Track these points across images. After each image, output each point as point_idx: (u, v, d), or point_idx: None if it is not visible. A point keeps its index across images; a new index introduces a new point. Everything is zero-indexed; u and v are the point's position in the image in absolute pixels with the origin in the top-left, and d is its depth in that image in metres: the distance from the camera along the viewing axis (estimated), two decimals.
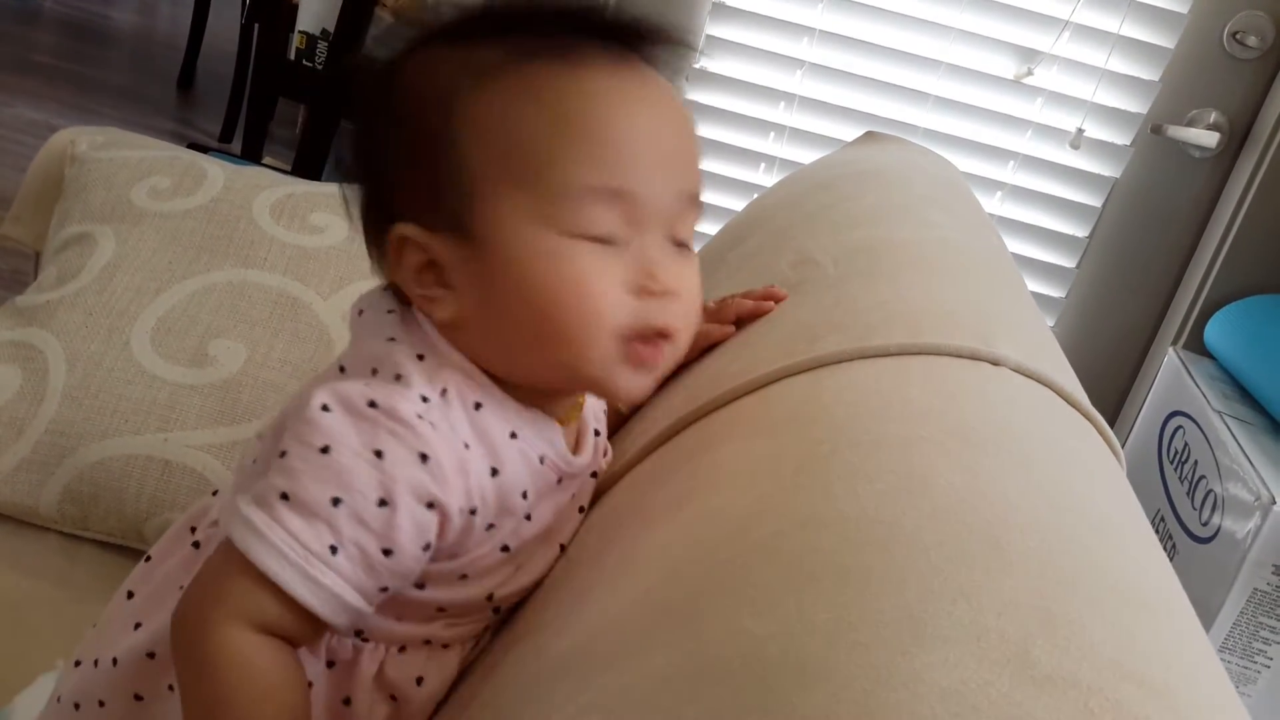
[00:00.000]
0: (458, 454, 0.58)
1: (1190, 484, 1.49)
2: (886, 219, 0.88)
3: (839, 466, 0.52)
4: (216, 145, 3.54)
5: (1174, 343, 1.87)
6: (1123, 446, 0.67)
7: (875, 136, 1.26)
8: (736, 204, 2.00)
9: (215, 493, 0.71)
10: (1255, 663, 1.33)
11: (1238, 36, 1.83)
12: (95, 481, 1.02)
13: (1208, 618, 1.32)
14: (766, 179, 2.00)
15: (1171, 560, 1.18)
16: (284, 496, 0.54)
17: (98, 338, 1.08)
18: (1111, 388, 1.97)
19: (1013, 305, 0.77)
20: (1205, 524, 1.41)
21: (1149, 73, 1.88)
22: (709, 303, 0.81)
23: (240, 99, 3.63)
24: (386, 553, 0.56)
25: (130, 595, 0.68)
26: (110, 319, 1.09)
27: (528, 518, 0.63)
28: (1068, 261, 2.00)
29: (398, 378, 0.58)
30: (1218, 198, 1.92)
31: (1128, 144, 1.92)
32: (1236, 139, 1.88)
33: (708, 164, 2.05)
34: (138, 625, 0.65)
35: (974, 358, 0.64)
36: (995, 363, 0.64)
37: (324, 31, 2.74)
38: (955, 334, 0.66)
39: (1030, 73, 1.90)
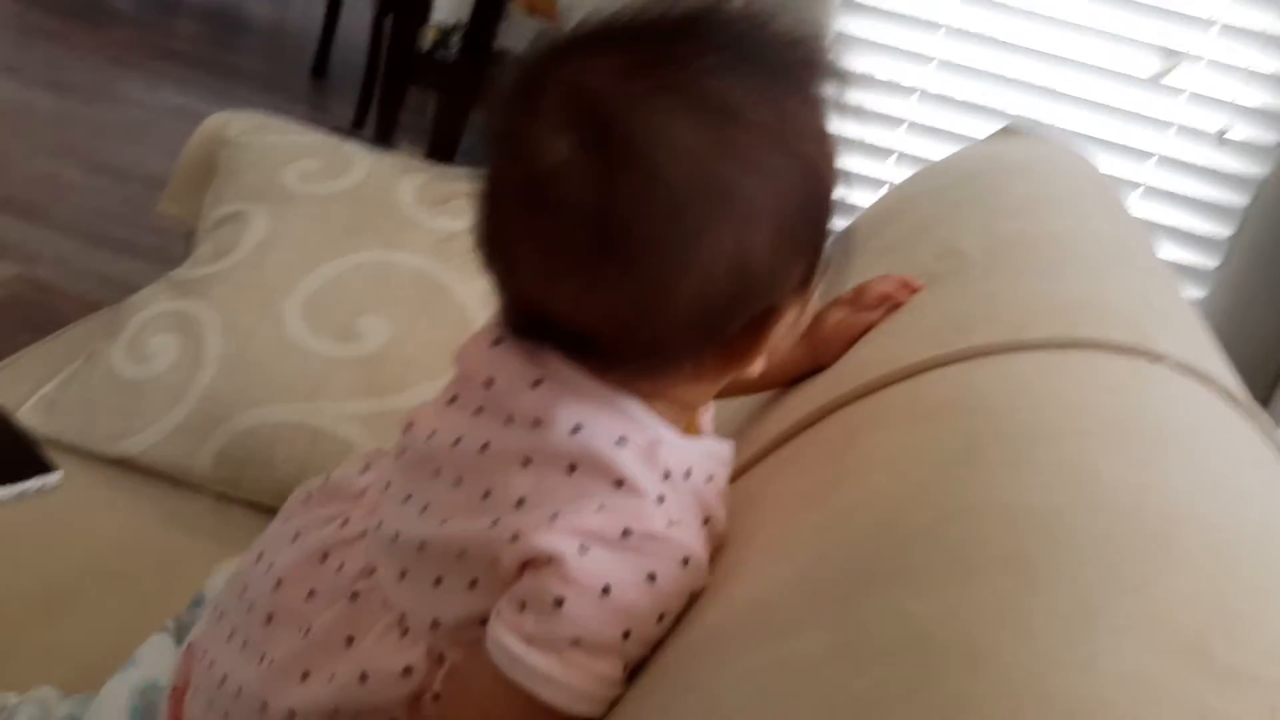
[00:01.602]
0: (699, 533, 0.60)
1: None
2: (1037, 211, 0.87)
3: (999, 456, 0.52)
4: (350, 133, 3.63)
5: None
6: None
7: (1014, 131, 1.24)
8: (864, 197, 1.99)
9: (345, 522, 0.68)
10: None
11: None
12: (247, 446, 1.07)
13: None
14: (895, 173, 1.99)
15: None
16: (576, 642, 0.55)
17: (252, 311, 1.12)
18: (1253, 391, 1.91)
19: (1170, 301, 0.76)
20: None
21: None
22: (845, 292, 0.82)
23: (372, 88, 3.71)
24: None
25: (270, 619, 0.67)
26: (263, 294, 1.13)
27: None
28: (1209, 262, 1.94)
29: (619, 483, 0.57)
30: None
31: (1276, 143, 1.86)
32: None
33: None
34: (305, 674, 0.64)
35: (1133, 353, 0.63)
36: (1155, 358, 0.62)
37: (458, 23, 2.79)
38: (1113, 329, 0.65)
39: (1173, 71, 1.85)
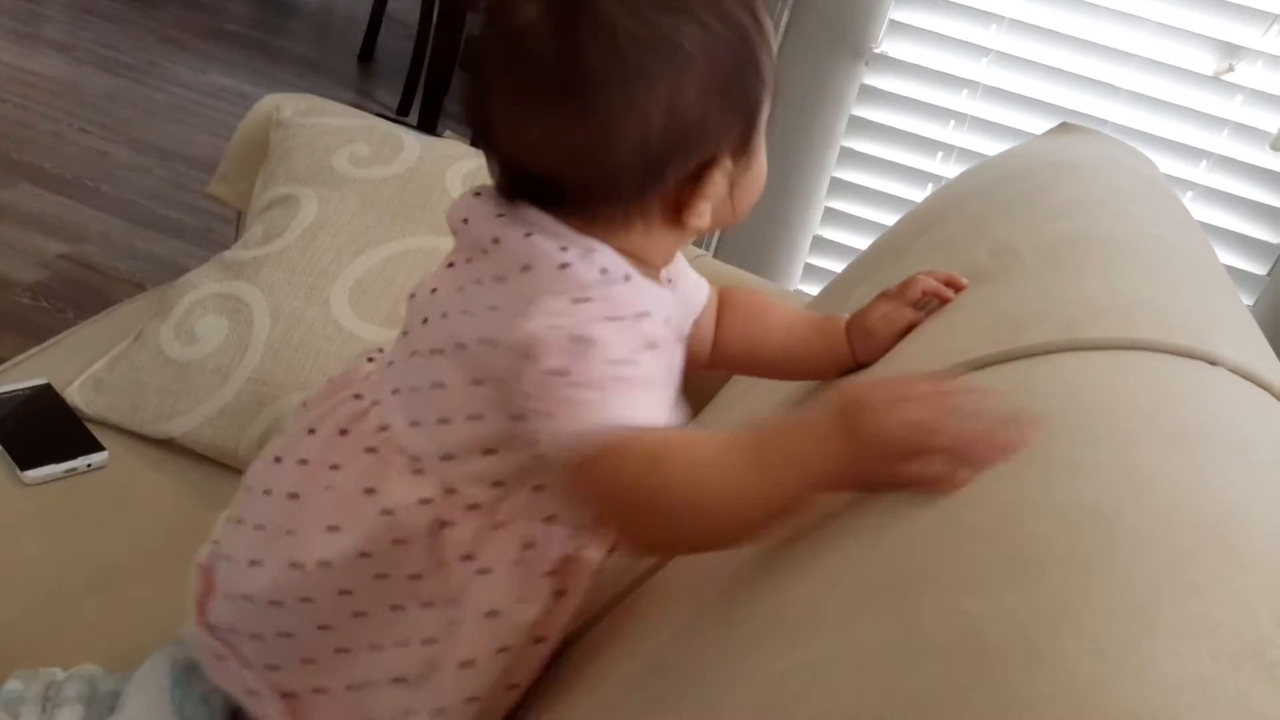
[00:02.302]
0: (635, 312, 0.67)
1: None
2: (1089, 212, 0.86)
3: (1055, 456, 0.52)
4: (394, 117, 3.65)
5: None
6: None
7: (1070, 128, 1.23)
8: (913, 192, 1.98)
9: (358, 396, 0.75)
10: None
11: None
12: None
13: None
14: (945, 168, 1.97)
15: None
16: (573, 386, 0.62)
17: (299, 294, 1.13)
18: None
19: (1225, 305, 0.75)
20: None
21: None
22: (891, 287, 0.81)
23: (419, 73, 3.72)
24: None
25: (295, 496, 0.73)
26: (311, 278, 1.14)
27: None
28: (1259, 268, 1.92)
29: (563, 266, 0.66)
30: None
31: None
32: None
33: (885, 150, 2.03)
34: (333, 528, 0.70)
35: (1190, 355, 0.62)
36: (1212, 362, 0.62)
37: None
38: (1170, 330, 0.64)
39: (1232, 68, 1.83)
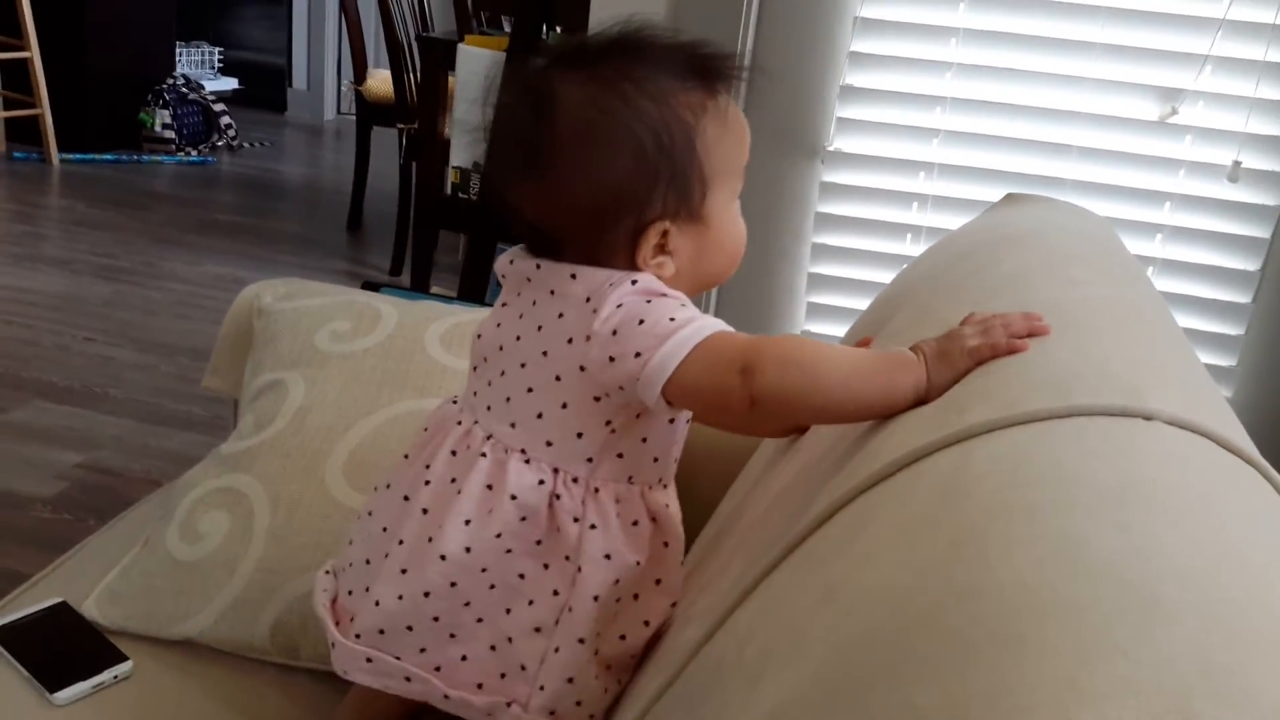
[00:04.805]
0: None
1: None
2: (1027, 282, 0.89)
3: (994, 536, 0.54)
4: (388, 280, 3.74)
5: None
6: None
7: (1015, 198, 1.26)
8: (888, 277, 2.02)
9: (459, 423, 0.92)
10: None
11: None
12: (303, 612, 1.09)
13: None
14: (915, 249, 2.01)
15: None
16: (672, 319, 0.81)
17: (296, 478, 1.16)
18: None
19: (1165, 356, 0.77)
20: None
21: None
22: None
23: (405, 234, 3.82)
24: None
25: (427, 511, 0.88)
26: (306, 459, 1.17)
27: None
28: (1242, 297, 1.93)
29: (610, 283, 0.84)
30: None
31: None
32: None
33: (854, 240, 2.07)
34: (468, 521, 0.87)
35: (1125, 414, 0.64)
36: (1148, 418, 0.64)
37: (475, 165, 2.88)
38: (1104, 392, 0.66)
39: (1175, 111, 1.87)
